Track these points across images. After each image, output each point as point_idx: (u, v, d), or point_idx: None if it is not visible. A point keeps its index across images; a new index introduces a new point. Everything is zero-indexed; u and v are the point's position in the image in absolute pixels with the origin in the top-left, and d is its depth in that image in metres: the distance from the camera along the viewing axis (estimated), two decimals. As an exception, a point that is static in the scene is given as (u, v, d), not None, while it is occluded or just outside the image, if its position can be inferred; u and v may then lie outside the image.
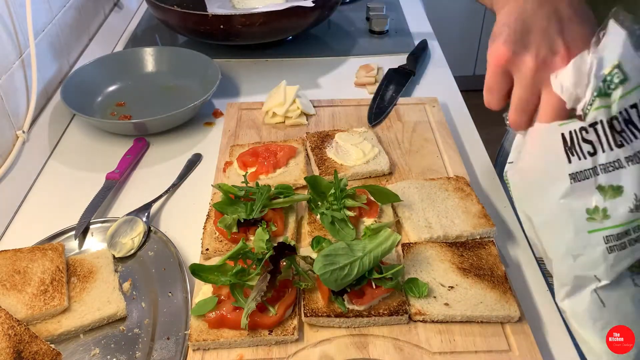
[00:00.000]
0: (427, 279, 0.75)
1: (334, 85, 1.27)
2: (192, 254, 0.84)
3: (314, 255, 0.74)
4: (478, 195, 0.89)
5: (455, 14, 2.90)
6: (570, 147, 0.56)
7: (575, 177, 0.56)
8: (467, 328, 0.71)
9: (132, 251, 0.83)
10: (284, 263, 0.73)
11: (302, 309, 0.72)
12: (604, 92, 0.55)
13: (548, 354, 0.71)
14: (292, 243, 0.72)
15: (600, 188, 0.56)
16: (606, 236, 0.56)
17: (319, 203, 0.85)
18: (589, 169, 0.56)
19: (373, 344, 0.69)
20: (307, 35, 1.45)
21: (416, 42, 1.40)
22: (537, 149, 0.59)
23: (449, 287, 0.74)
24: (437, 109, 1.11)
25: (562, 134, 0.56)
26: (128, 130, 1.09)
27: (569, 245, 0.58)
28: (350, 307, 0.71)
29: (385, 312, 0.71)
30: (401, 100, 1.15)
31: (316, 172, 0.95)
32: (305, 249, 0.81)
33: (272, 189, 0.84)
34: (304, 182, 0.90)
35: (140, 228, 0.86)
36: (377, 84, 1.22)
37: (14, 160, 0.96)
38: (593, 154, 0.55)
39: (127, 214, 0.88)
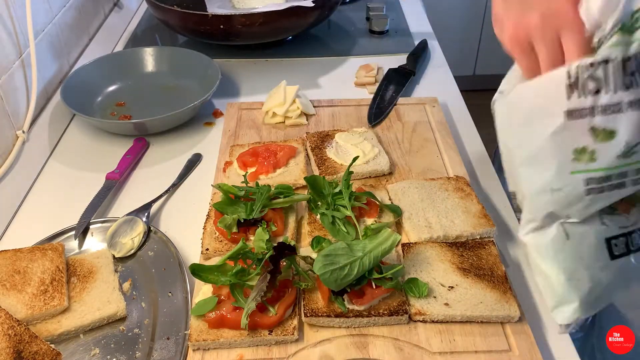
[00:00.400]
0: (427, 279, 0.75)
1: (334, 85, 1.27)
2: (192, 254, 0.84)
3: (314, 255, 0.74)
4: (478, 195, 0.89)
5: (455, 14, 2.90)
6: (573, 83, 0.53)
7: (570, 114, 0.54)
8: (467, 328, 0.71)
9: (132, 251, 0.83)
10: (284, 263, 0.73)
11: (302, 309, 0.72)
12: (627, 29, 0.52)
13: (548, 354, 0.71)
14: (292, 243, 0.72)
15: (593, 130, 0.53)
16: (588, 179, 0.55)
17: (319, 203, 0.85)
18: (587, 108, 0.53)
19: (373, 344, 0.69)
20: (307, 35, 1.45)
21: (416, 42, 1.40)
22: (534, 82, 0.57)
23: (449, 287, 0.74)
24: (437, 109, 1.11)
25: (568, 70, 0.54)
26: (128, 130, 1.09)
27: (549, 182, 0.57)
28: (350, 307, 0.71)
29: (385, 312, 0.71)
30: (401, 100, 1.15)
31: (316, 172, 0.95)
32: (305, 249, 0.81)
33: (272, 189, 0.84)
34: (304, 182, 0.90)
35: (140, 228, 0.86)
36: (377, 84, 1.22)
37: (14, 160, 0.96)
38: (597, 92, 0.53)
39: (127, 214, 0.88)
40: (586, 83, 0.53)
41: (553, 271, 0.60)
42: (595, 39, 0.55)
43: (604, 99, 0.53)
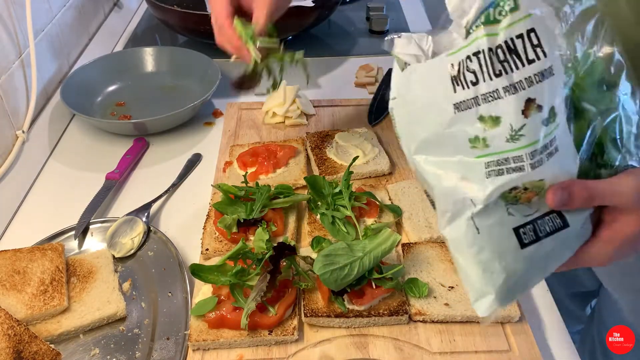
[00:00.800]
0: (427, 279, 0.75)
1: (334, 85, 1.27)
2: (192, 254, 0.84)
3: (314, 255, 0.74)
4: (478, 195, 0.88)
5: (455, 14, 2.90)
6: (456, 77, 0.57)
7: (458, 106, 0.57)
8: (467, 328, 0.71)
9: (132, 251, 0.83)
10: (284, 263, 0.73)
11: (302, 309, 0.72)
12: (492, 19, 0.55)
13: (548, 354, 0.71)
14: (292, 243, 0.72)
15: (481, 118, 0.56)
16: (487, 162, 0.57)
17: (319, 203, 0.85)
18: (471, 99, 0.56)
19: (373, 344, 0.69)
20: (307, 35, 1.45)
21: (416, 42, 1.40)
22: (426, 80, 0.60)
23: (449, 287, 0.74)
24: (437, 109, 1.11)
25: (451, 64, 0.57)
26: (128, 130, 1.09)
27: (452, 171, 0.59)
28: (350, 307, 0.71)
29: (385, 312, 0.71)
30: (401, 100, 1.15)
31: (316, 172, 0.95)
32: (305, 249, 0.81)
33: (272, 189, 0.84)
34: (304, 182, 0.90)
35: (140, 228, 0.86)
36: (377, 84, 1.22)
37: (14, 160, 0.96)
38: (475, 83, 0.56)
39: (127, 214, 0.88)
40: (466, 75, 0.56)
41: (469, 265, 0.61)
42: (463, 23, 0.57)
43: (483, 87, 0.55)
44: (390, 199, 0.89)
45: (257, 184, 0.85)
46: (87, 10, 1.38)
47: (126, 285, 0.79)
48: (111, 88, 1.22)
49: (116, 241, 0.84)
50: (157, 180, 0.99)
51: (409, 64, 0.62)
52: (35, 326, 0.72)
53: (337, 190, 0.84)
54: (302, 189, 0.93)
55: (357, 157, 0.91)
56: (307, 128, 1.09)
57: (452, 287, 0.74)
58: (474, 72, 0.56)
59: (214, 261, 0.75)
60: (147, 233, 0.86)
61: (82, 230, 0.86)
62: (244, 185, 0.85)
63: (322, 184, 0.85)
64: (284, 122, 1.10)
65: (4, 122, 0.95)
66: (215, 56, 1.27)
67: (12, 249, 0.80)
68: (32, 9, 1.03)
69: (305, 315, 0.71)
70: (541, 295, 0.78)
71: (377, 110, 1.12)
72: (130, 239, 0.84)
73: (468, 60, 0.56)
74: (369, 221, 0.84)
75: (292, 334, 0.69)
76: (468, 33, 0.57)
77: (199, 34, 1.31)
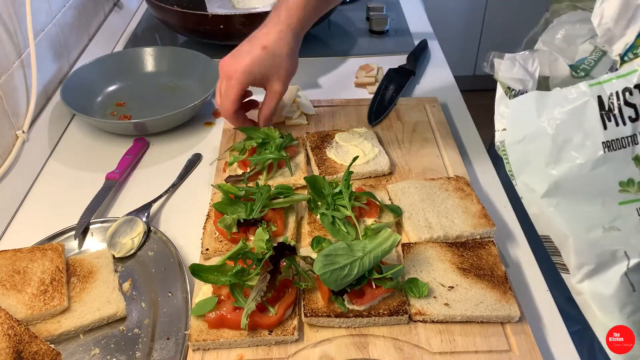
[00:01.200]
0: (427, 279, 0.75)
1: (334, 85, 1.27)
2: (192, 254, 0.84)
3: (314, 255, 0.74)
4: (478, 195, 0.89)
5: (455, 14, 2.90)
6: (607, 111, 0.49)
7: (609, 145, 0.49)
8: (467, 328, 0.71)
9: (132, 251, 0.83)
10: (284, 263, 0.73)
11: (302, 309, 0.72)
12: None
13: (548, 354, 0.71)
14: (292, 243, 0.72)
15: (637, 159, 0.49)
16: None
17: (319, 203, 0.85)
18: (627, 137, 0.49)
19: (373, 344, 0.69)
20: (307, 35, 1.45)
21: (416, 42, 1.40)
22: (557, 113, 0.51)
23: (449, 287, 0.74)
24: (437, 109, 1.11)
25: (599, 97, 0.49)
26: (128, 130, 1.09)
27: (595, 218, 0.52)
28: (350, 307, 0.71)
29: (385, 312, 0.71)
30: (401, 100, 1.15)
31: (316, 172, 0.95)
32: (305, 249, 0.81)
33: (272, 189, 0.84)
34: (304, 182, 0.90)
35: (140, 228, 0.86)
36: (377, 84, 1.22)
37: (14, 160, 0.96)
38: (635, 119, 0.49)
39: (127, 214, 0.88)
40: (623, 110, 0.49)
41: (616, 323, 0.55)
42: (617, 51, 0.51)
43: None
44: (390, 199, 0.89)
45: (257, 184, 0.85)
46: (87, 10, 1.38)
47: (126, 285, 0.79)
48: (111, 88, 1.22)
49: (116, 241, 0.84)
50: (157, 180, 0.99)
51: (514, 90, 0.55)
52: (35, 326, 0.72)
53: (337, 190, 0.84)
54: (302, 189, 0.93)
55: (357, 157, 0.91)
56: (307, 128, 1.09)
57: (452, 287, 0.74)
58: (634, 107, 0.48)
59: (214, 261, 0.75)
60: (147, 233, 0.86)
61: (82, 230, 0.86)
62: (243, 185, 0.85)
63: (322, 184, 0.85)
64: (284, 122, 1.10)
65: (4, 122, 0.95)
66: (215, 56, 1.27)
67: (12, 249, 0.80)
68: (32, 9, 1.03)
69: (305, 315, 0.71)
70: (541, 295, 0.78)
71: (377, 110, 1.12)
72: (130, 239, 0.84)
73: (627, 93, 0.48)
74: (369, 221, 0.84)
75: (292, 334, 0.69)
76: (622, 61, 0.50)
77: (199, 34, 1.31)
